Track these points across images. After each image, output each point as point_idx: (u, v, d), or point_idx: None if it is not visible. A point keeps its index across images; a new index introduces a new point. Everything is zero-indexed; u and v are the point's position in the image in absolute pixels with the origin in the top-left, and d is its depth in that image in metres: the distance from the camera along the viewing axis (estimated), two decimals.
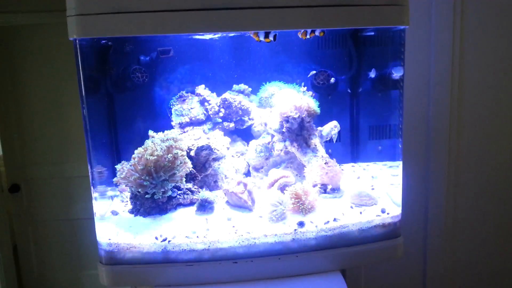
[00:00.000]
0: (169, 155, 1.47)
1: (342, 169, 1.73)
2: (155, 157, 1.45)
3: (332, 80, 1.87)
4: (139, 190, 1.45)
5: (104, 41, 1.63)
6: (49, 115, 2.98)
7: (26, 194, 3.04)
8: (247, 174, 1.85)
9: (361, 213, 1.49)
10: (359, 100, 1.97)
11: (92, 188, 1.48)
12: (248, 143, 1.87)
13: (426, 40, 2.09)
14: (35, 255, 3.15)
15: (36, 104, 2.97)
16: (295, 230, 1.39)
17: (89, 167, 1.46)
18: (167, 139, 1.51)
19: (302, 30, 1.51)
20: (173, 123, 1.82)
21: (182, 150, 1.53)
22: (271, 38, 1.44)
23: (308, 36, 1.52)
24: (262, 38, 1.46)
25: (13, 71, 2.90)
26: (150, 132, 1.60)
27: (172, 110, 1.83)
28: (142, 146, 1.52)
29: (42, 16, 2.75)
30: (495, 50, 2.12)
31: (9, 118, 2.95)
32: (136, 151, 1.50)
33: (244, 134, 1.90)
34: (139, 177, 1.44)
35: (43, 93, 2.95)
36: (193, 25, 1.24)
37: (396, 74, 1.66)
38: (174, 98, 1.85)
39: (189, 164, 1.55)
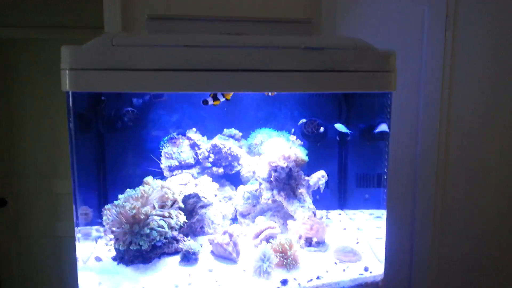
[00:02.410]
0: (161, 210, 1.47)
1: (329, 220, 1.75)
2: (145, 211, 1.45)
3: (322, 129, 1.89)
4: (123, 241, 1.45)
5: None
6: (40, 129, 2.97)
7: (12, 208, 3.01)
8: (234, 219, 1.85)
9: (344, 270, 1.50)
10: (347, 148, 2.00)
11: (75, 228, 1.47)
12: (236, 188, 1.88)
13: (415, 84, 2.14)
14: (17, 270, 3.10)
15: (27, 118, 2.96)
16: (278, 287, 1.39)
17: (74, 208, 1.46)
18: (162, 191, 1.51)
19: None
20: (162, 166, 1.83)
21: (178, 203, 1.54)
22: (221, 98, 1.54)
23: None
24: (211, 102, 1.55)
25: (4, 85, 2.90)
26: (146, 179, 1.61)
27: (162, 153, 1.84)
28: (133, 193, 1.52)
29: (34, 31, 2.78)
30: (486, 92, 2.17)
31: None
32: (124, 200, 1.50)
33: (233, 179, 1.91)
34: (124, 230, 1.44)
35: (34, 107, 2.95)
36: (182, 85, 1.26)
37: (380, 130, 1.70)
38: (164, 139, 1.87)
39: (181, 218, 1.55)
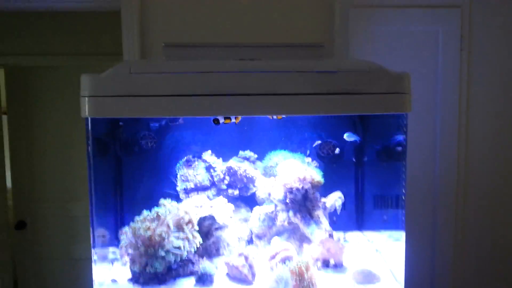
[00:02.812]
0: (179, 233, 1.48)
1: (346, 242, 1.72)
2: (161, 232, 1.46)
3: (337, 150, 1.89)
4: (139, 263, 1.46)
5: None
6: (59, 154, 3.04)
7: (31, 230, 3.06)
8: (250, 241, 1.85)
9: None
10: (364, 169, 1.99)
11: (92, 250, 1.49)
12: (252, 210, 1.88)
13: (432, 107, 2.13)
14: None
15: (46, 143, 3.05)
16: None
17: (91, 230, 1.48)
18: (178, 213, 1.52)
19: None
20: (178, 188, 1.85)
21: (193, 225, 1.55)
22: (232, 118, 1.54)
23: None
24: (221, 121, 1.55)
25: (26, 109, 3.00)
26: (162, 201, 1.63)
27: (178, 175, 1.86)
28: (148, 215, 1.54)
29: (55, 59, 2.88)
30: (502, 114, 2.14)
31: (20, 154, 3.02)
32: (139, 222, 1.52)
33: (248, 200, 1.92)
34: (140, 252, 1.45)
35: (54, 131, 3.03)
36: (198, 109, 1.28)
37: (398, 149, 1.68)
38: (180, 162, 1.89)
39: (197, 240, 1.55)
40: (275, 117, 1.57)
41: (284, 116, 1.53)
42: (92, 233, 1.48)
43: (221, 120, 1.59)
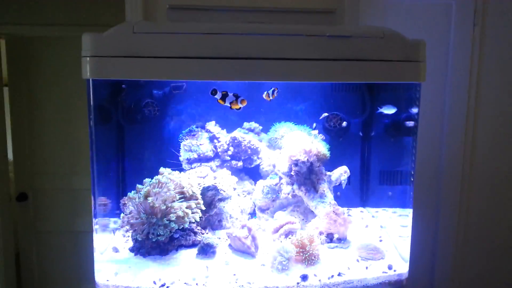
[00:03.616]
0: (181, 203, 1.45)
1: (350, 217, 1.69)
2: (164, 202, 1.43)
3: (344, 123, 1.84)
4: (141, 231, 1.43)
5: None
6: (61, 126, 3.00)
7: (33, 203, 3.05)
8: (253, 214, 1.82)
9: (367, 268, 1.44)
10: (371, 144, 1.94)
11: (93, 219, 1.46)
12: (255, 182, 1.85)
13: (441, 86, 2.06)
14: (37, 265, 3.14)
15: (48, 115, 3.00)
16: (298, 283, 1.35)
17: (92, 199, 1.45)
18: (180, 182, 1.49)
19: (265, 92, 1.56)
20: (181, 158, 1.81)
21: (196, 197, 1.52)
22: (240, 105, 1.48)
23: (271, 98, 1.56)
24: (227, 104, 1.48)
25: (28, 81, 2.94)
26: (162, 169, 1.59)
27: (181, 145, 1.82)
28: (150, 183, 1.50)
29: (54, 29, 2.80)
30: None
31: (21, 126, 2.98)
32: (143, 190, 1.48)
33: (252, 172, 1.88)
34: (142, 220, 1.42)
35: (56, 104, 2.98)
36: (203, 73, 1.23)
37: (409, 123, 1.64)
38: (183, 132, 1.85)
39: (197, 216, 1.52)
40: (270, 96, 1.52)
41: (274, 97, 1.49)
42: (94, 201, 1.44)
43: (218, 95, 1.51)
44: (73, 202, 3.07)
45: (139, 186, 1.50)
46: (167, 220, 1.42)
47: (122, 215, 1.50)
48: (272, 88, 1.58)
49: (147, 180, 1.51)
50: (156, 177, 1.53)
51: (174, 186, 1.51)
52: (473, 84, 2.07)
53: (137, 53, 1.22)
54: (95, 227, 1.45)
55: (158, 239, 1.46)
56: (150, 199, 1.43)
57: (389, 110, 1.73)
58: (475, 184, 2.13)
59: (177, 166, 1.78)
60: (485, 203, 2.14)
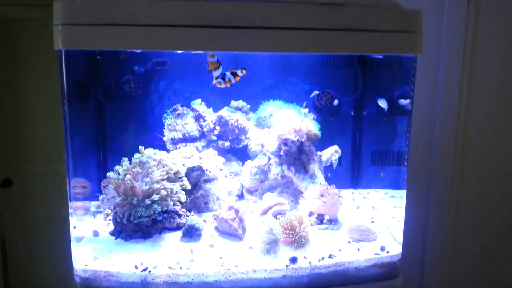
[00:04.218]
0: (160, 183, 1.37)
1: (341, 198, 1.64)
2: (145, 182, 1.35)
3: (335, 102, 1.77)
4: (121, 214, 1.35)
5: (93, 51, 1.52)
6: (45, 111, 2.88)
7: (18, 190, 2.95)
8: (241, 196, 1.75)
9: (358, 249, 1.39)
10: (363, 123, 1.88)
11: (69, 203, 1.38)
12: (243, 163, 1.78)
13: (434, 65, 2.00)
14: (24, 252, 3.06)
15: (32, 99, 2.87)
16: (287, 266, 1.29)
17: (67, 181, 1.36)
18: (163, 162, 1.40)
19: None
20: (165, 138, 1.73)
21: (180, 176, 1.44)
22: (239, 74, 1.39)
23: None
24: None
25: (8, 66, 2.81)
26: (142, 149, 1.50)
27: (165, 124, 1.73)
28: (126, 165, 1.42)
29: (36, 10, 2.66)
30: (506, 77, 2.03)
31: (4, 110, 2.85)
32: (121, 169, 1.40)
33: (239, 153, 1.80)
34: (121, 202, 1.34)
35: (41, 87, 2.85)
36: (185, 42, 1.14)
37: (404, 101, 1.57)
38: (167, 111, 1.76)
39: (182, 197, 1.44)
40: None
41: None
42: (68, 184, 1.36)
43: (223, 85, 1.40)
44: (60, 188, 2.97)
45: (117, 167, 1.41)
46: (149, 201, 1.35)
47: (101, 197, 1.42)
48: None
49: (125, 159, 1.42)
50: (135, 155, 1.44)
51: (156, 164, 1.43)
52: (467, 63, 2.01)
53: (113, 21, 1.12)
54: (70, 210, 1.36)
55: (140, 222, 1.39)
56: (127, 176, 1.34)
57: (383, 105, 1.66)
58: (467, 164, 2.09)
59: (160, 146, 1.69)
60: (477, 183, 2.10)
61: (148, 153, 1.45)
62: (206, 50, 1.28)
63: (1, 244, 3.01)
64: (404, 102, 1.59)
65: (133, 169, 1.38)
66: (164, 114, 1.76)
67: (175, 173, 1.46)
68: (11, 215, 2.98)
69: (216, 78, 1.37)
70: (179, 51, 1.51)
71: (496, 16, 1.97)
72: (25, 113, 2.87)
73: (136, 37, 1.13)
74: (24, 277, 3.11)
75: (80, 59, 1.38)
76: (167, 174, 1.43)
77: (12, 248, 3.04)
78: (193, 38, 1.13)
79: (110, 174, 1.40)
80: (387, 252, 1.38)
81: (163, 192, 1.37)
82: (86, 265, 1.28)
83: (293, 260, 1.30)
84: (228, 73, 1.38)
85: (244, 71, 1.40)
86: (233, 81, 1.39)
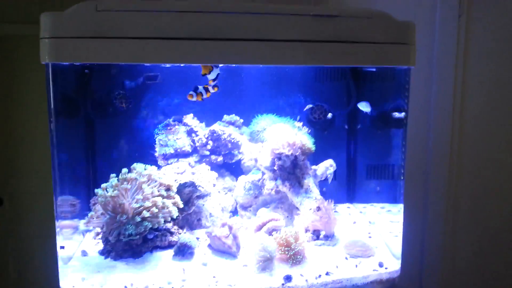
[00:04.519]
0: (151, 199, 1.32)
1: (337, 214, 1.60)
2: (133, 199, 1.31)
3: (329, 115, 1.75)
4: (109, 233, 1.30)
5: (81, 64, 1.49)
6: (37, 128, 2.83)
7: (9, 208, 2.87)
8: (234, 212, 1.71)
9: (356, 266, 1.35)
10: (357, 137, 1.86)
11: (56, 222, 1.32)
12: (237, 179, 1.74)
13: (427, 78, 1.99)
14: (13, 270, 2.96)
15: (25, 116, 2.82)
16: (283, 284, 1.24)
17: (54, 200, 1.32)
18: (149, 179, 1.36)
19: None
20: (156, 154, 1.69)
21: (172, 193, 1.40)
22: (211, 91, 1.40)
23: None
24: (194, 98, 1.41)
25: (5, 81, 2.77)
26: (135, 165, 1.45)
27: (156, 140, 1.70)
28: (114, 181, 1.37)
29: (32, 28, 2.64)
30: (499, 89, 2.02)
31: None
32: (108, 186, 1.36)
33: (233, 168, 1.77)
34: (109, 220, 1.30)
35: (32, 105, 2.81)
36: (176, 55, 1.12)
37: (398, 114, 1.56)
38: (159, 126, 1.72)
39: (174, 212, 1.40)
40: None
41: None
42: (55, 203, 1.31)
43: (194, 98, 1.42)
44: (52, 206, 2.90)
45: (104, 185, 1.37)
46: (139, 218, 1.30)
47: (89, 214, 1.38)
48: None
49: (113, 175, 1.38)
50: (123, 170, 1.40)
51: (147, 181, 1.39)
52: (459, 75, 2.01)
53: (101, 34, 1.09)
54: (57, 229, 1.31)
55: (130, 240, 1.34)
56: (115, 192, 1.30)
57: (365, 108, 1.65)
58: (464, 177, 2.07)
59: (151, 162, 1.65)
60: (474, 194, 2.08)
61: (138, 169, 1.41)
62: (197, 63, 1.26)
63: None
64: (398, 115, 1.58)
65: (121, 186, 1.33)
66: (156, 129, 1.72)
67: (167, 189, 1.41)
68: (1, 233, 2.90)
69: (213, 81, 1.37)
70: (169, 65, 1.48)
71: (486, 29, 1.98)
72: (16, 130, 2.82)
73: (125, 50, 1.11)
74: None
75: (68, 73, 1.35)
76: (158, 189, 1.39)
77: (1, 268, 2.95)
78: (184, 51, 1.11)
79: (98, 191, 1.35)
80: (386, 268, 1.34)
81: (154, 210, 1.32)
82: (73, 286, 1.22)
83: (287, 278, 1.26)
84: (200, 87, 1.41)
85: (216, 89, 1.43)
86: (204, 96, 1.41)
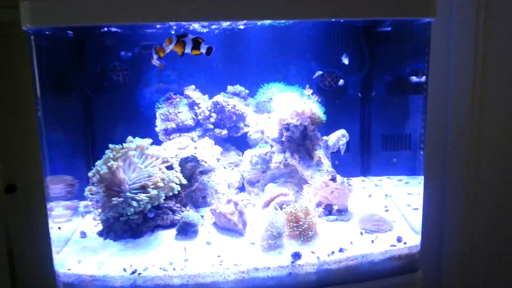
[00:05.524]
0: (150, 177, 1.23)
1: (351, 187, 1.49)
2: (129, 173, 1.22)
3: (341, 82, 1.63)
4: (108, 211, 1.22)
5: (71, 32, 1.38)
6: None
7: (23, 195, 2.86)
8: (241, 188, 1.61)
9: (372, 241, 1.25)
10: (372, 105, 1.73)
11: (47, 204, 1.25)
12: (243, 153, 1.64)
13: (446, 37, 1.82)
14: (31, 260, 2.97)
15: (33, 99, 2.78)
16: (292, 262, 1.15)
17: (44, 180, 1.24)
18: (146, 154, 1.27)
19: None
20: (157, 129, 1.59)
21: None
22: (202, 50, 1.17)
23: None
24: (188, 50, 1.17)
25: (10, 68, 2.72)
26: (130, 139, 1.36)
27: (157, 114, 1.60)
28: (114, 155, 1.28)
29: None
30: None
31: (7, 115, 2.76)
32: (102, 163, 1.27)
33: (238, 142, 1.67)
34: (108, 198, 1.21)
35: None
36: (168, 13, 1.00)
37: (417, 78, 1.42)
38: (160, 100, 1.62)
39: (175, 186, 1.31)
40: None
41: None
42: (45, 181, 1.23)
43: (187, 50, 1.21)
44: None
45: (98, 162, 1.28)
46: (136, 194, 1.21)
47: (87, 188, 1.29)
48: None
49: (108, 151, 1.29)
50: (116, 147, 1.30)
51: (140, 155, 1.29)
52: (480, 37, 1.83)
53: None
54: (49, 207, 1.24)
55: (129, 220, 1.25)
56: (114, 163, 1.21)
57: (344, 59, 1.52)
58: (484, 145, 1.91)
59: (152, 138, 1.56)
60: (495, 165, 1.93)
61: (134, 144, 1.31)
62: (192, 20, 1.14)
63: (8, 252, 2.91)
64: (417, 79, 1.45)
65: (116, 162, 1.24)
66: (157, 103, 1.62)
67: (166, 164, 1.32)
68: (17, 222, 2.88)
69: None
70: (162, 25, 1.35)
71: None
72: (28, 116, 2.77)
73: (108, 9, 1.00)
74: (32, 284, 3.02)
75: (54, 42, 1.25)
76: (155, 164, 1.30)
77: (20, 256, 2.94)
78: (178, 7, 0.99)
79: (93, 170, 1.26)
80: (405, 243, 1.23)
81: (149, 183, 1.23)
82: (69, 269, 1.15)
83: (296, 256, 1.16)
84: (191, 38, 1.17)
85: (209, 51, 1.19)
86: (187, 50, 1.17)
